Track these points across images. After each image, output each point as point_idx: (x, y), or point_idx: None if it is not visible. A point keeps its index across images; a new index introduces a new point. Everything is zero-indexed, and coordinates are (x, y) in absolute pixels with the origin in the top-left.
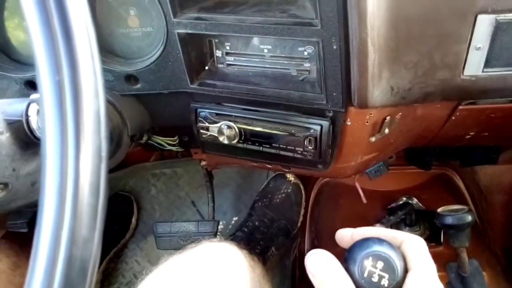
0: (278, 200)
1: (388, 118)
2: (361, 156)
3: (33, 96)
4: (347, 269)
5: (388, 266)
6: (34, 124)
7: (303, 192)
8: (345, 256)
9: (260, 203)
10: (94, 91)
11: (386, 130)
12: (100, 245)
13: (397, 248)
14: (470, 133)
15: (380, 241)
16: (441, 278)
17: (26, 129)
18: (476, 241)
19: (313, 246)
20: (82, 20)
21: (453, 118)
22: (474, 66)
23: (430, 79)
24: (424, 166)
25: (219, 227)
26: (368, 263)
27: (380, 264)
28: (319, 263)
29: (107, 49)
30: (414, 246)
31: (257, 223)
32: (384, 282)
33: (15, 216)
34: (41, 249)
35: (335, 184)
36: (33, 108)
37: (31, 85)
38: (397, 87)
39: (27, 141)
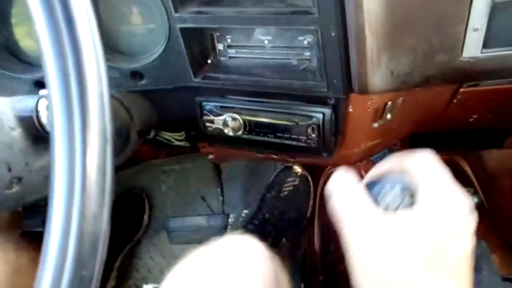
0: (287, 192)
1: (389, 103)
2: (364, 143)
3: (42, 92)
4: None
5: (405, 188)
6: (44, 119)
7: (311, 183)
8: None
9: (269, 196)
10: (97, 76)
11: (388, 116)
12: (109, 220)
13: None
14: (473, 116)
15: (388, 175)
16: None
17: (36, 124)
18: (484, 225)
19: (323, 236)
20: (84, 10)
21: (455, 101)
22: (472, 47)
23: (430, 62)
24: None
25: (229, 220)
26: (387, 193)
27: (397, 189)
28: (340, 181)
29: (112, 47)
30: (417, 162)
31: (267, 215)
32: (406, 202)
33: (30, 215)
34: (53, 225)
35: None
36: (42, 104)
37: (40, 85)
38: (396, 72)
39: (38, 136)
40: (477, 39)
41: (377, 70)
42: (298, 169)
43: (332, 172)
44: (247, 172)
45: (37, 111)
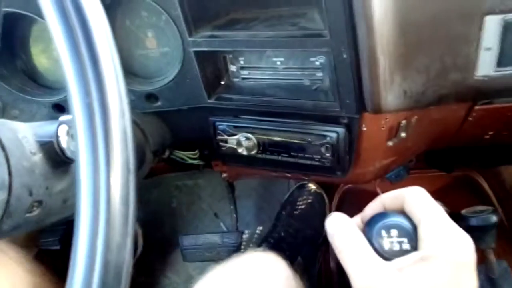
0: (302, 210)
1: (403, 122)
2: (379, 161)
3: (62, 117)
4: None
5: (402, 230)
6: (64, 144)
7: (326, 201)
8: None
9: (284, 214)
10: (120, 111)
11: (403, 134)
12: (132, 250)
13: (401, 209)
14: (489, 133)
15: (383, 214)
16: None
17: (57, 149)
18: (504, 242)
19: None
20: (107, 48)
21: (470, 119)
22: (486, 66)
23: (443, 81)
24: (445, 168)
25: (243, 237)
26: (384, 237)
27: (394, 233)
28: (338, 224)
29: (128, 70)
30: (414, 199)
31: (282, 233)
32: (405, 246)
33: (47, 234)
34: (79, 256)
35: (356, 191)
36: (62, 129)
37: (59, 108)
38: (410, 91)
39: (58, 160)
40: (490, 58)
41: (390, 90)
42: (313, 186)
43: (346, 189)
44: (260, 190)
45: (57, 136)
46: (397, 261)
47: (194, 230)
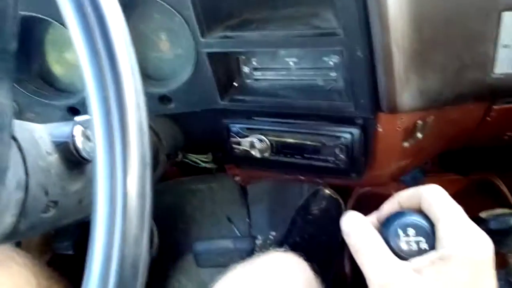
0: (317, 215)
1: (419, 122)
2: (395, 162)
3: (78, 118)
4: None
5: (419, 229)
6: (79, 144)
7: (342, 207)
8: None
9: (299, 219)
10: (136, 105)
11: (419, 135)
12: (148, 245)
13: (418, 207)
14: (508, 133)
15: (400, 213)
16: None
17: (72, 149)
18: None
19: (353, 260)
20: (124, 45)
21: (488, 118)
22: (504, 64)
23: (460, 79)
24: (462, 171)
25: (257, 242)
26: (401, 236)
27: (411, 232)
28: (354, 223)
29: (142, 73)
30: (431, 197)
31: (297, 239)
32: (423, 245)
33: (61, 238)
34: (96, 250)
35: (372, 195)
36: (77, 130)
37: (73, 111)
38: (426, 90)
39: (73, 160)
40: (508, 56)
41: (406, 89)
42: (329, 192)
43: (362, 193)
44: (273, 193)
45: (73, 137)
46: (414, 260)
47: (207, 235)
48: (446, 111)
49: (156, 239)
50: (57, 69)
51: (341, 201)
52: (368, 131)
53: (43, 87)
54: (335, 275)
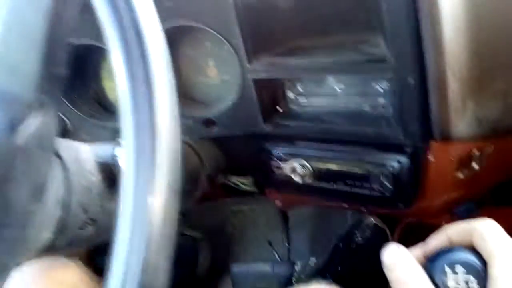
0: (361, 245)
1: (476, 152)
2: (447, 194)
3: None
4: None
5: (469, 267)
6: (121, 165)
7: (389, 237)
8: None
9: (342, 247)
10: (169, 131)
11: (476, 165)
12: (168, 272)
13: (469, 244)
14: None
15: (449, 249)
16: None
17: (113, 169)
18: None
19: None
20: (163, 71)
21: None
22: None
23: None
24: None
25: (296, 268)
26: (448, 274)
27: (460, 269)
28: (397, 256)
29: (188, 96)
30: (485, 232)
31: (339, 268)
32: (472, 285)
33: (101, 252)
34: (114, 275)
35: (420, 227)
36: (120, 150)
37: None
38: (485, 118)
39: (113, 180)
40: None
41: (462, 117)
42: (374, 221)
43: (409, 224)
44: (315, 220)
45: (115, 157)
46: None
47: (247, 257)
48: (507, 140)
49: (203, 260)
50: (112, 94)
51: (387, 231)
52: (417, 160)
53: (98, 110)
54: None
